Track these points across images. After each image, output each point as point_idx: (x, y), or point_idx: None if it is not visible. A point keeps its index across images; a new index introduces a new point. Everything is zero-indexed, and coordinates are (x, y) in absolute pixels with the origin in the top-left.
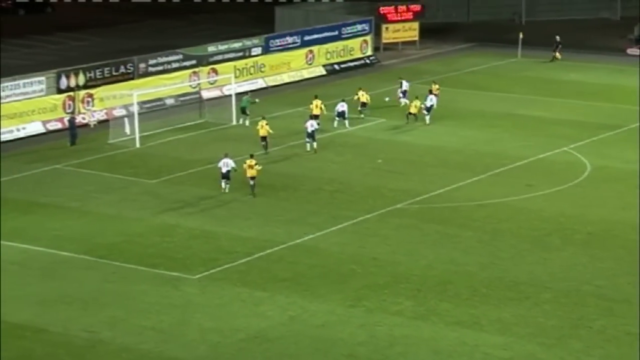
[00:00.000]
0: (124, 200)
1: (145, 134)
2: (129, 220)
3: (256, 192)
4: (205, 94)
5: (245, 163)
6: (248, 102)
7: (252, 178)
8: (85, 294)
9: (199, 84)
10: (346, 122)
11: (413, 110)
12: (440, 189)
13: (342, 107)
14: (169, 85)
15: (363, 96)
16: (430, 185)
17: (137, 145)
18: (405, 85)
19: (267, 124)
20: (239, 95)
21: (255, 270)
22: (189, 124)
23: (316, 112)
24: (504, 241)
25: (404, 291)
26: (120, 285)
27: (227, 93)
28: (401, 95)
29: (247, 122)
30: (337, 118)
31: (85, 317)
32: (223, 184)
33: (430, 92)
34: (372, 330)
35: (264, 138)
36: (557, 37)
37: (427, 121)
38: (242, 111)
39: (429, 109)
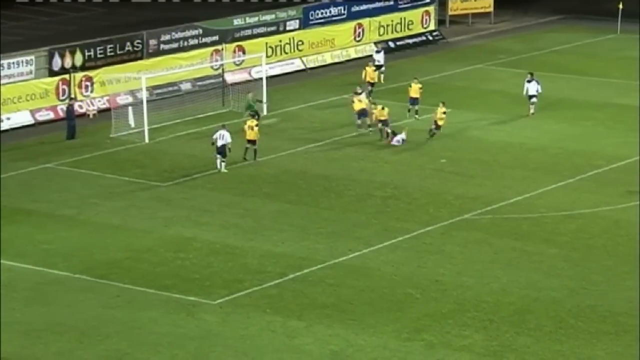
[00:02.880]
0: (129, 208)
1: (156, 126)
2: (136, 232)
3: (258, 158)
4: (230, 78)
5: (245, 124)
6: (254, 103)
7: (253, 142)
8: (82, 322)
9: (222, 65)
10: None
11: (439, 120)
12: (517, 196)
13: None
14: (185, 67)
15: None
16: (505, 192)
17: (146, 140)
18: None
19: (257, 125)
20: (272, 78)
21: (289, 294)
22: (209, 114)
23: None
24: (597, 261)
25: (472, 322)
26: (124, 312)
27: (256, 76)
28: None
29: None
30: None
31: (82, 351)
32: (218, 162)
33: (531, 75)
34: None
35: (252, 142)
36: None
37: (532, 110)
38: (252, 114)
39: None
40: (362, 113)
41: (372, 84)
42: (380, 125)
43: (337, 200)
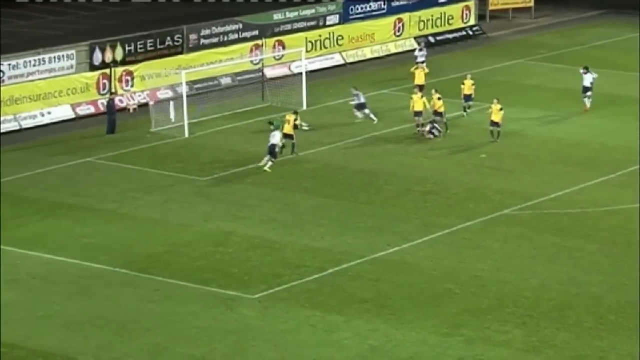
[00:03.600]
0: (169, 202)
1: (195, 120)
2: (175, 226)
3: (297, 151)
4: (270, 72)
5: (285, 117)
6: (279, 123)
7: (290, 136)
8: (122, 315)
9: (261, 59)
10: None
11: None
12: (558, 191)
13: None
14: (224, 62)
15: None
16: (545, 187)
17: (186, 134)
18: (360, 97)
19: (296, 120)
20: (312, 73)
21: (328, 288)
22: (248, 108)
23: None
24: (638, 257)
25: (512, 317)
26: (163, 306)
27: (296, 71)
28: (356, 110)
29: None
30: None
31: (122, 344)
32: (264, 160)
33: (586, 69)
34: None
35: (289, 136)
36: None
37: (587, 105)
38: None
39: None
40: (418, 114)
41: (421, 87)
42: (434, 117)
43: (376, 195)
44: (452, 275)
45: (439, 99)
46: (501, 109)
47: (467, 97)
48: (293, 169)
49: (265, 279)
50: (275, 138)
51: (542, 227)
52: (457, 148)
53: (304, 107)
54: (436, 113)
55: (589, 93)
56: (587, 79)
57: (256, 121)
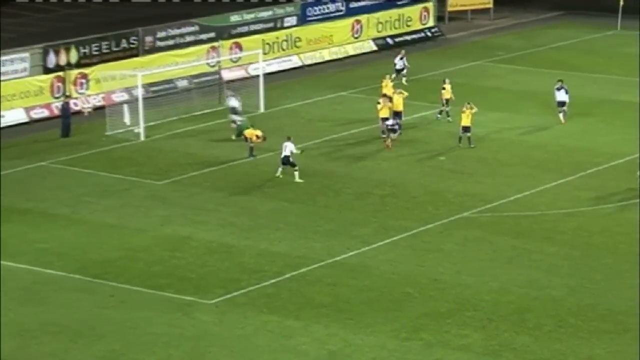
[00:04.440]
0: (124, 206)
1: (152, 123)
2: (131, 230)
3: (255, 154)
4: (227, 75)
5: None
6: (246, 127)
7: (247, 139)
8: (77, 322)
9: (218, 62)
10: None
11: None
12: (517, 194)
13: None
14: (181, 64)
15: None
16: (505, 189)
17: (142, 138)
18: (232, 100)
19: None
20: (269, 76)
21: (286, 293)
22: (206, 111)
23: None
24: (598, 259)
25: (471, 321)
26: (119, 312)
27: (253, 73)
28: (232, 115)
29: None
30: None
31: (76, 351)
32: (279, 170)
33: (561, 83)
34: None
35: (247, 139)
36: None
37: (562, 119)
38: (239, 135)
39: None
40: (385, 120)
41: (398, 113)
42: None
43: (335, 199)
44: (412, 279)
45: (399, 93)
46: (473, 112)
47: (447, 102)
48: (250, 172)
49: (223, 284)
50: (288, 149)
51: (501, 230)
52: (416, 151)
53: (262, 110)
54: (396, 113)
55: (564, 107)
56: (562, 94)
57: (214, 124)
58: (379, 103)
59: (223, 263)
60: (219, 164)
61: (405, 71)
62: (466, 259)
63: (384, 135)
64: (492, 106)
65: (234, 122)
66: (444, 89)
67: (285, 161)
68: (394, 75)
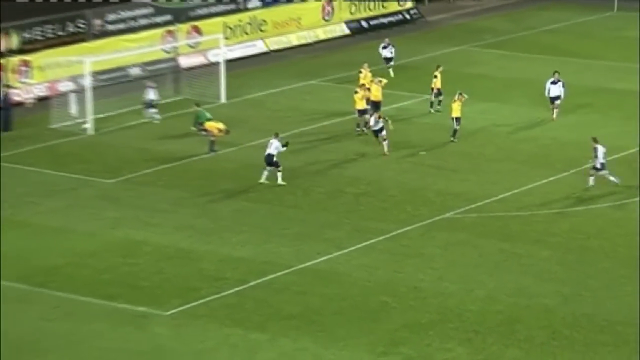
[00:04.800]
0: (71, 207)
1: (101, 115)
2: (78, 234)
3: (216, 149)
4: (184, 62)
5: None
6: (203, 114)
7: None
8: (18, 335)
9: (175, 47)
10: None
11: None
12: (505, 192)
13: None
14: (134, 50)
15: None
16: (491, 187)
17: (90, 131)
18: (151, 93)
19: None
20: (231, 63)
21: (251, 303)
22: (160, 102)
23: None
24: (594, 264)
25: (455, 333)
26: (65, 325)
27: (214, 60)
28: (148, 109)
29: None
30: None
31: None
32: (264, 175)
33: (557, 75)
34: None
35: (206, 131)
36: None
37: (554, 115)
38: (199, 128)
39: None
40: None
41: (376, 103)
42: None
43: (303, 198)
44: (389, 287)
45: (378, 82)
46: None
47: (439, 92)
48: (210, 169)
49: (180, 293)
50: (272, 147)
51: (488, 232)
52: (393, 145)
53: (223, 100)
54: (374, 104)
55: (557, 102)
56: (556, 89)
57: (170, 116)
58: (356, 92)
59: (180, 270)
60: (175, 160)
61: (392, 62)
62: (449, 265)
63: (358, 129)
64: (477, 95)
65: (151, 117)
66: (435, 77)
67: (270, 161)
68: (385, 65)
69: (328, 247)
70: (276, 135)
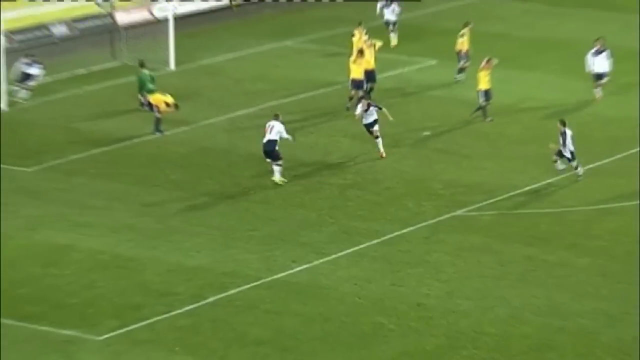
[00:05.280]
0: None
1: (18, 87)
2: None
3: (162, 129)
4: (123, 18)
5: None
6: (148, 80)
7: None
8: None
9: (110, 1)
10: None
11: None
12: (532, 183)
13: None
14: (58, 3)
15: None
16: (515, 177)
17: (4, 107)
18: (34, 69)
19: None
20: (183, 20)
21: (208, 325)
22: (93, 68)
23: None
24: None
25: None
26: None
27: (160, 16)
28: (19, 85)
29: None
30: None
31: None
32: (277, 173)
33: (600, 44)
34: None
35: (152, 105)
36: None
37: (598, 95)
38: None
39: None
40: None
41: (370, 73)
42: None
43: (275, 191)
44: (385, 304)
45: (370, 45)
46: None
47: (465, 56)
48: (156, 154)
49: (117, 313)
50: (274, 132)
51: (510, 234)
52: (390, 124)
53: (172, 67)
54: (367, 73)
55: (603, 80)
56: (602, 61)
57: (104, 87)
58: (351, 59)
59: (117, 283)
60: (112, 143)
61: (395, 26)
62: (461, 276)
63: (349, 105)
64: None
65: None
66: (462, 36)
67: (270, 150)
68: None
69: (306, 253)
70: (276, 117)
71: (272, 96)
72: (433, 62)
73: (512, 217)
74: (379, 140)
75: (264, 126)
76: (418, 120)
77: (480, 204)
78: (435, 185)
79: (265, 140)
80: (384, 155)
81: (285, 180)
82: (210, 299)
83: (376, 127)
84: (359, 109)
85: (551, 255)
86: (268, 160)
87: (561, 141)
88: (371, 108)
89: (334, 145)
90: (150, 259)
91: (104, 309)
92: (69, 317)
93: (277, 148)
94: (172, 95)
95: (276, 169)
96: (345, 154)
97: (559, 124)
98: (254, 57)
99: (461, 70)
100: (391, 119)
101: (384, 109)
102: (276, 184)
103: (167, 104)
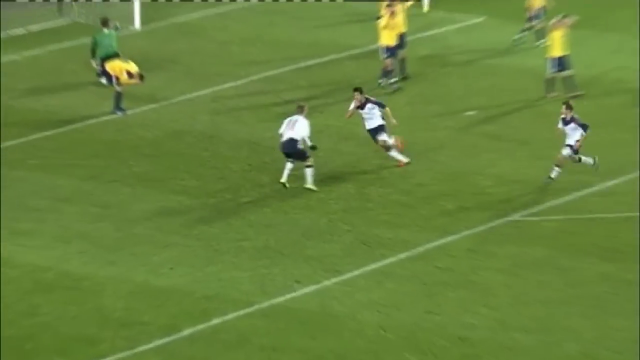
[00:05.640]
0: None
1: None
2: None
3: (124, 108)
4: None
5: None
6: (106, 47)
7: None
8: None
9: None
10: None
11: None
12: (613, 178)
13: None
14: None
15: None
16: (586, 171)
17: None
18: None
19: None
20: None
21: None
22: (33, 28)
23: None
24: None
25: None
26: None
27: None
28: None
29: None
30: None
31: None
32: (284, 173)
33: None
34: None
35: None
36: None
37: None
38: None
39: None
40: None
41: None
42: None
43: (270, 188)
44: (418, 338)
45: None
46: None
47: (538, 14)
48: (115, 139)
49: (65, 349)
50: (297, 128)
51: (583, 246)
52: (423, 100)
53: (137, 27)
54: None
55: None
56: None
57: (49, 52)
58: (378, 18)
59: (66, 309)
60: (58, 126)
61: None
62: (518, 301)
63: (381, 81)
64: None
65: None
66: None
67: (290, 150)
68: None
69: (314, 270)
70: (300, 110)
71: (268, 65)
72: (480, 19)
73: (585, 223)
74: (393, 153)
75: (280, 119)
76: (460, 96)
77: (542, 206)
78: (482, 181)
79: (284, 139)
80: (404, 162)
81: (315, 188)
82: (187, 331)
83: (384, 136)
84: (352, 105)
85: (635, 274)
86: (290, 160)
87: (567, 131)
88: (369, 105)
89: (349, 129)
90: (108, 277)
91: (48, 343)
92: (2, 354)
93: (300, 146)
94: (136, 62)
95: (308, 172)
96: (364, 141)
97: (563, 108)
98: (241, 12)
99: (526, 30)
100: (394, 122)
101: (387, 109)
102: (311, 190)
103: (130, 74)
